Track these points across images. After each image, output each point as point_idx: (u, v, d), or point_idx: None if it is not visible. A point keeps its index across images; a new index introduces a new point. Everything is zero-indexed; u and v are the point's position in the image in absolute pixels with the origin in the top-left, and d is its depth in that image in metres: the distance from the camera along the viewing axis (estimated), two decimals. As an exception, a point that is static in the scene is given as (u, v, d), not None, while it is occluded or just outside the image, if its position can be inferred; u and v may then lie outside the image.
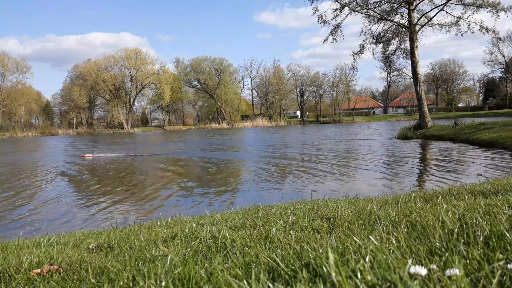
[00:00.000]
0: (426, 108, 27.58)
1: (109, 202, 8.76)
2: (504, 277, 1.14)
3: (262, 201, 7.23)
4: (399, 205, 3.15)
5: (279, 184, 10.34)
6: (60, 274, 1.89)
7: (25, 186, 11.42)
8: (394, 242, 1.75)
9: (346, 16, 27.87)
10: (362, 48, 29.76)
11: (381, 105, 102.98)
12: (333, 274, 1.20)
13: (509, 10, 24.94)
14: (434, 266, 1.24)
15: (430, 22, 27.52)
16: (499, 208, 2.26)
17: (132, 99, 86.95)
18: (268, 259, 1.63)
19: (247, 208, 4.74)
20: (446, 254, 1.40)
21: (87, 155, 20.23)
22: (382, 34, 29.47)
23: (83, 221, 7.12)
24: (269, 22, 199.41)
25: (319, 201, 4.62)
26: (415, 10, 27.30)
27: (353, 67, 31.35)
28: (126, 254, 2.25)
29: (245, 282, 1.32)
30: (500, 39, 28.86)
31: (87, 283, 1.70)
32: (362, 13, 28.26)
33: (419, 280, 1.14)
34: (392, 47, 30.24)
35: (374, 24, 28.90)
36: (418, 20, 27.38)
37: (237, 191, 9.67)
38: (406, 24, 27.66)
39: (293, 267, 1.46)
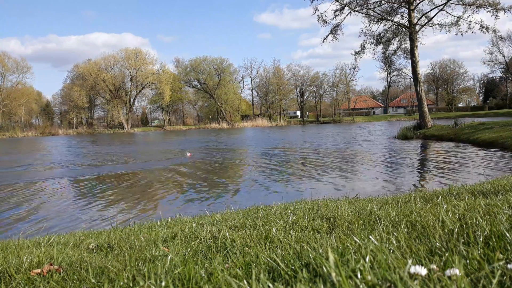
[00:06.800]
0: (426, 108, 27.57)
1: (109, 202, 8.77)
2: (504, 277, 1.14)
3: (262, 201, 7.23)
4: (399, 205, 3.15)
5: (279, 184, 10.34)
6: (60, 274, 1.89)
7: (25, 186, 11.42)
8: (394, 242, 1.75)
9: (346, 15, 27.90)
10: (363, 47, 29.78)
11: (381, 105, 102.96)
12: (333, 274, 1.20)
13: (508, 10, 24.94)
14: (434, 266, 1.24)
15: (430, 22, 27.53)
16: (499, 208, 2.26)
17: (132, 99, 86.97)
18: (268, 259, 1.63)
19: (247, 208, 4.74)
20: (446, 254, 1.40)
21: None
22: (382, 34, 29.49)
23: (83, 221, 7.12)
24: (269, 22, 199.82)
25: (319, 201, 4.62)
26: (415, 10, 27.30)
27: (354, 67, 31.39)
28: (126, 254, 2.25)
29: (245, 282, 1.32)
30: (501, 37, 28.85)
31: (87, 283, 1.70)
32: (362, 13, 28.27)
33: (419, 280, 1.14)
34: (392, 47, 30.28)
35: (374, 24, 28.92)
36: (418, 20, 27.37)
37: (237, 191, 9.67)
38: (406, 24, 27.65)
39: (293, 267, 1.46)
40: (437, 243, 1.62)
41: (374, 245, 1.64)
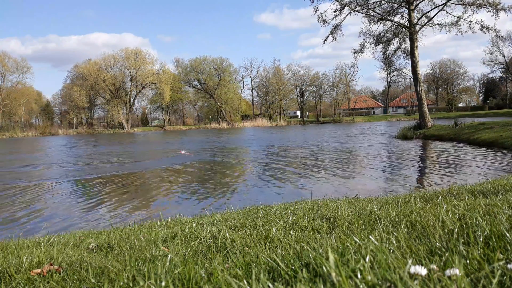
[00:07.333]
0: (426, 108, 27.57)
1: (109, 202, 8.77)
2: (504, 277, 1.14)
3: (262, 201, 7.23)
4: (399, 205, 3.15)
5: (279, 184, 10.34)
6: (60, 274, 1.89)
7: (25, 186, 11.42)
8: (394, 242, 1.75)
9: (346, 15, 27.90)
10: (362, 46, 29.78)
11: (381, 105, 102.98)
12: (333, 274, 1.20)
13: (509, 10, 24.93)
14: (434, 266, 1.24)
15: (430, 22, 27.52)
16: (499, 208, 2.26)
17: (132, 99, 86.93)
18: (268, 259, 1.63)
19: (247, 208, 4.74)
20: (446, 254, 1.40)
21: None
22: (382, 34, 29.48)
23: (83, 221, 7.12)
24: (269, 22, 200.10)
25: (319, 201, 4.62)
26: (415, 10, 27.29)
27: (354, 65, 31.40)
28: (126, 254, 2.25)
29: (245, 282, 1.32)
30: (501, 37, 28.79)
31: (87, 283, 1.70)
32: (362, 13, 28.27)
33: (419, 280, 1.14)
34: (392, 47, 30.25)
35: (374, 24, 28.92)
36: (418, 20, 27.37)
37: (237, 191, 9.67)
38: (406, 24, 27.65)
39: (293, 267, 1.46)
40: (437, 243, 1.62)
41: (374, 245, 1.64)
